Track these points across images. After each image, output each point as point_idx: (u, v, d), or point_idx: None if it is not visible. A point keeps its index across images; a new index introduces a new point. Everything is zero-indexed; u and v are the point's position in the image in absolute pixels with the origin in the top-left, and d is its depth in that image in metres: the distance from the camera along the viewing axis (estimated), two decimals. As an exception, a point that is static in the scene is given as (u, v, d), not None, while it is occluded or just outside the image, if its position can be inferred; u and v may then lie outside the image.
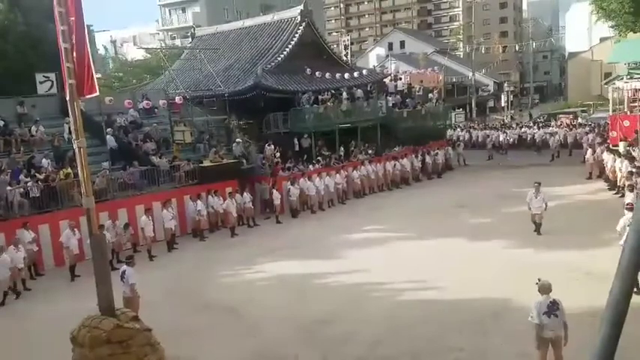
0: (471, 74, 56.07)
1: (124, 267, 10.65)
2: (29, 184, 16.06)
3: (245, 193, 19.34)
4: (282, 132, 24.68)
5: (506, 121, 47.92)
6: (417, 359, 8.72)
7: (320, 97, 25.79)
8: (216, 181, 19.24)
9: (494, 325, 9.72)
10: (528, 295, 8.68)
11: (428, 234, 16.22)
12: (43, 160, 17.53)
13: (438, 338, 9.39)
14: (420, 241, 15.76)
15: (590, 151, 24.51)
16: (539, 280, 7.69)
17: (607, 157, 22.09)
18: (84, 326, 8.42)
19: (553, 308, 7.44)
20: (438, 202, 21.02)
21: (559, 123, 37.84)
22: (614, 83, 29.42)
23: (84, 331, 8.33)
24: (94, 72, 8.56)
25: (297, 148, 24.60)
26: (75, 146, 8.90)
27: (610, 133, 25.61)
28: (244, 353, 9.35)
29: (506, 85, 59.06)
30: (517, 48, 70.85)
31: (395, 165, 25.37)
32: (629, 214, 12.09)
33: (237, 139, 22.54)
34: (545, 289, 7.53)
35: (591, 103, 53.86)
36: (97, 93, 8.66)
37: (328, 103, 25.40)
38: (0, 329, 11.30)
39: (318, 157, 24.00)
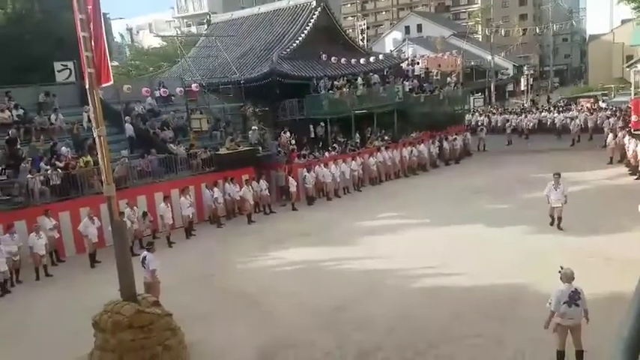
0: (489, 58, 55.23)
1: (145, 253, 10.81)
2: (49, 172, 16.31)
3: (261, 181, 19.41)
4: (298, 119, 24.63)
5: (526, 105, 47.20)
6: (433, 346, 8.73)
7: (335, 82, 25.65)
8: (233, 169, 19.34)
9: (511, 311, 9.69)
10: (546, 281, 8.65)
11: (444, 220, 16.15)
12: (63, 149, 17.77)
13: (454, 325, 9.39)
14: (436, 228, 15.70)
15: (611, 135, 24.11)
16: (561, 268, 7.59)
17: (628, 142, 21.72)
18: (106, 312, 8.60)
19: (574, 297, 7.37)
20: (456, 189, 20.89)
21: (579, 107, 37.20)
22: (636, 66, 28.82)
23: (106, 316, 8.51)
24: (109, 61, 8.67)
25: (312, 134, 24.57)
26: (95, 135, 9.02)
27: (632, 117, 25.11)
28: (260, 339, 9.46)
29: (525, 68, 58.10)
30: (537, 31, 69.46)
31: (412, 151, 25.22)
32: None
33: (253, 127, 22.60)
34: (567, 277, 7.44)
35: (612, 86, 52.77)
36: (112, 81, 8.77)
37: (344, 89, 25.25)
38: (23, 314, 11.60)
39: (334, 144, 23.95)
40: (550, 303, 7.51)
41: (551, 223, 14.51)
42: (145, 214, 16.21)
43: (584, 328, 7.57)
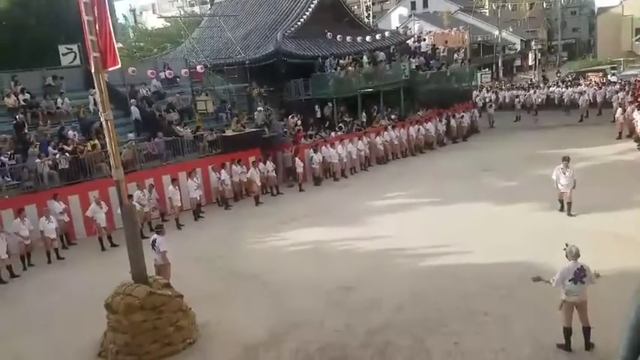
0: (497, 33, 54.49)
1: (155, 236, 10.89)
2: (57, 156, 16.40)
3: (268, 162, 19.41)
4: (304, 99, 24.51)
5: (534, 80, 46.70)
6: (442, 324, 8.80)
7: (341, 61, 25.45)
8: (239, 150, 19.32)
9: (519, 289, 9.70)
10: (554, 258, 8.64)
11: (452, 199, 16.14)
12: (70, 132, 17.81)
13: (462, 303, 9.45)
14: (444, 207, 15.70)
15: (620, 110, 23.87)
16: (566, 245, 7.59)
17: (638, 116, 21.49)
18: (117, 294, 8.74)
19: (580, 275, 7.38)
20: (463, 166, 20.83)
21: (588, 81, 36.74)
22: (646, 39, 28.33)
23: (118, 298, 8.65)
24: (115, 44, 8.62)
25: (318, 115, 24.47)
26: (102, 119, 9.04)
27: (641, 91, 24.83)
28: (270, 319, 9.56)
29: (533, 43, 57.29)
30: (545, 4, 68.31)
31: (419, 130, 25.09)
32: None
33: (259, 108, 22.51)
34: (573, 254, 7.44)
35: (621, 59, 52.04)
36: (119, 65, 8.72)
37: (349, 68, 25.05)
38: (35, 297, 11.78)
39: (340, 124, 23.84)
40: (553, 279, 7.55)
41: (561, 209, 13.85)
42: (151, 187, 16.25)
43: (594, 303, 7.61)
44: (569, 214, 13.55)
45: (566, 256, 7.51)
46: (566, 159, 13.56)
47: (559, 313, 7.64)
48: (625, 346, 1.66)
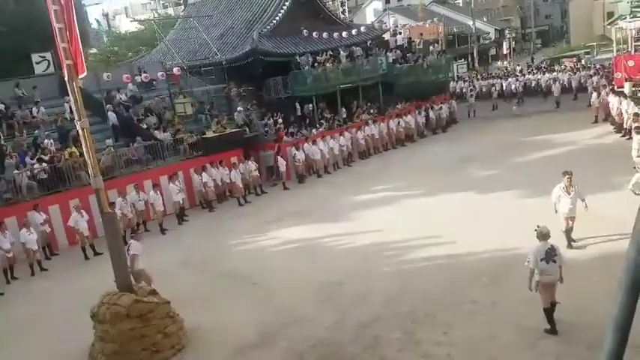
0: (471, 23, 54.91)
1: (130, 241, 10.81)
2: (36, 166, 16.12)
3: (250, 162, 19.29)
4: (283, 97, 24.43)
5: (509, 68, 47.14)
6: (430, 315, 8.87)
7: (318, 58, 25.41)
8: (221, 152, 19.18)
9: (505, 275, 9.82)
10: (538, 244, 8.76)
11: (435, 190, 16.24)
12: (46, 141, 17.48)
13: (450, 293, 9.53)
14: (428, 198, 15.80)
15: (595, 94, 24.20)
16: (537, 226, 7.87)
17: (612, 100, 21.83)
18: (103, 303, 8.64)
19: (551, 254, 7.63)
20: (444, 158, 20.96)
21: (563, 67, 37.20)
22: (617, 23, 28.79)
23: (104, 307, 8.55)
24: (82, 52, 8.57)
25: (299, 112, 24.42)
26: (78, 127, 8.91)
27: (615, 75, 25.21)
28: (260, 319, 9.55)
29: (507, 31, 57.88)
30: (517, -8, 68.95)
31: (399, 123, 25.18)
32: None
33: (239, 108, 22.38)
34: (543, 235, 7.73)
35: (594, 44, 52.79)
36: (85, 73, 8.68)
37: (327, 64, 25.02)
38: (20, 309, 11.59)
39: (321, 121, 23.81)
40: (528, 261, 7.77)
41: (570, 245, 10.52)
42: (137, 188, 16.17)
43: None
44: (572, 241, 10.65)
45: (537, 237, 7.79)
46: (568, 173, 10.42)
47: (538, 296, 7.79)
48: (610, 342, 1.67)
